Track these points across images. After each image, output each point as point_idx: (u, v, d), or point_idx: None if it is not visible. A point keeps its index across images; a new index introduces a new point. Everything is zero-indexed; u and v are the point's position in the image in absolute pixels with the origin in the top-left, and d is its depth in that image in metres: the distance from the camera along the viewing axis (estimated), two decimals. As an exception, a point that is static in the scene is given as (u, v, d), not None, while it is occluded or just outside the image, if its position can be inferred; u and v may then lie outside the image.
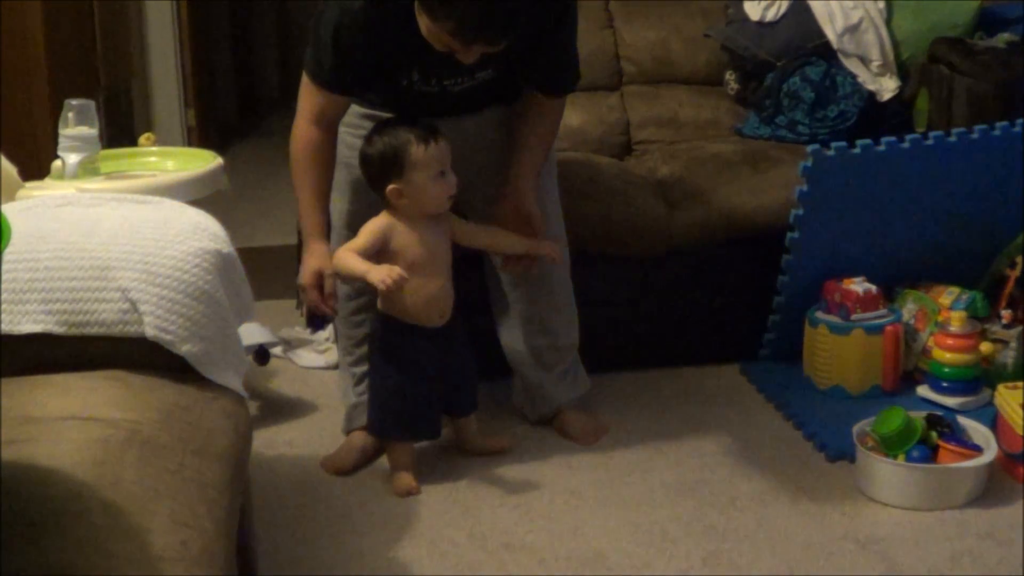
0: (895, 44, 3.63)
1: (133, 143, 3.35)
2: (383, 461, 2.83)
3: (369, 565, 2.42)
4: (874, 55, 3.59)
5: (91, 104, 2.93)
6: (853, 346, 3.04)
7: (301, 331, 3.54)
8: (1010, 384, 2.74)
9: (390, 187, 2.58)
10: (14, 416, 1.67)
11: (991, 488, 2.62)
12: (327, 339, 3.46)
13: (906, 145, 2.97)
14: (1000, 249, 3.20)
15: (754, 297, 3.23)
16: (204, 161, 3.05)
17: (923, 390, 3.04)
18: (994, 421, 2.75)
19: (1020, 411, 2.64)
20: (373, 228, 2.62)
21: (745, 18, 3.72)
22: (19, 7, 4.13)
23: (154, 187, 2.78)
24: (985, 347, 3.01)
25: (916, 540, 2.47)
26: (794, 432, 2.96)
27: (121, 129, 4.80)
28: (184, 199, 2.46)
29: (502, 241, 2.73)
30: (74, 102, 2.90)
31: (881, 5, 3.66)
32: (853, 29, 3.60)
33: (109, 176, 2.93)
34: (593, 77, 3.67)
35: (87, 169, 2.86)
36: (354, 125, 2.72)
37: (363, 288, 2.74)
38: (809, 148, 2.96)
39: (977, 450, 2.64)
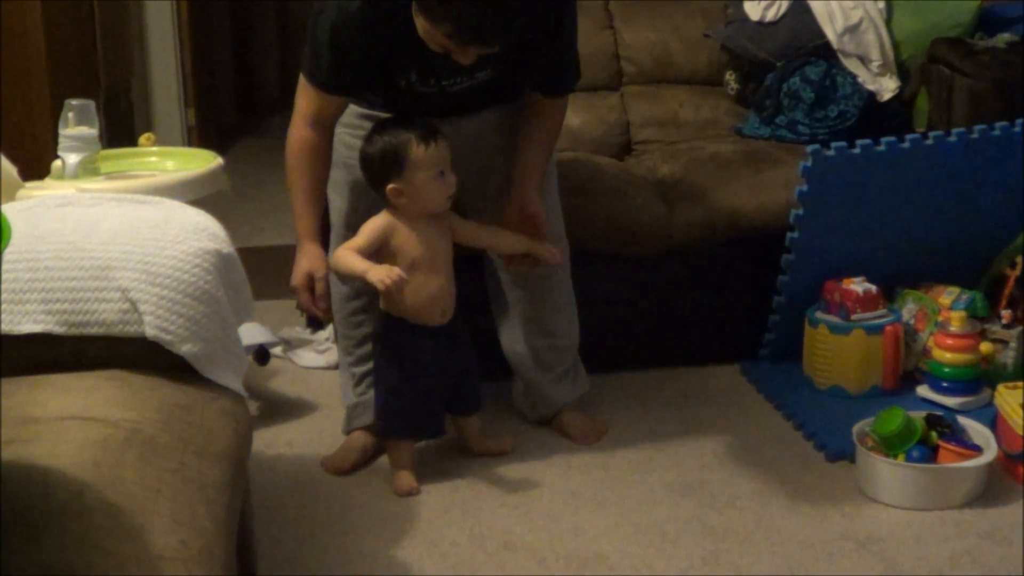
0: (895, 44, 3.63)
1: (133, 143, 3.35)
2: (383, 461, 2.83)
3: (369, 565, 2.42)
4: (874, 55, 3.59)
5: (91, 104, 2.94)
6: (853, 346, 3.04)
7: (301, 331, 3.54)
8: (1010, 384, 2.75)
9: (390, 186, 2.58)
10: (14, 416, 1.67)
11: (991, 488, 2.62)
12: (327, 339, 3.46)
13: (906, 145, 2.97)
14: (1000, 249, 3.20)
15: (754, 297, 3.23)
16: (204, 161, 3.06)
17: (923, 390, 3.04)
18: (994, 421, 2.75)
19: (1020, 411, 2.64)
20: (373, 227, 2.62)
21: (745, 18, 3.73)
22: (19, 7, 4.13)
23: (154, 187, 2.78)
24: (985, 347, 3.01)
25: (916, 540, 2.47)
26: (794, 432, 2.96)
27: (121, 129, 4.81)
28: (184, 199, 2.46)
29: (503, 240, 2.73)
30: (74, 102, 2.90)
31: (881, 5, 3.66)
32: (853, 29, 3.60)
33: (109, 176, 2.94)
34: (593, 77, 3.66)
35: (87, 169, 2.86)
36: (353, 125, 2.72)
37: (363, 288, 2.74)
38: (809, 148, 2.96)
39: (977, 450, 2.64)
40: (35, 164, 3.05)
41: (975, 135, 3.01)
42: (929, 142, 2.99)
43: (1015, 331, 3.05)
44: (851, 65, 3.60)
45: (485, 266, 2.93)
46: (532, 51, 2.59)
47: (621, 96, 3.80)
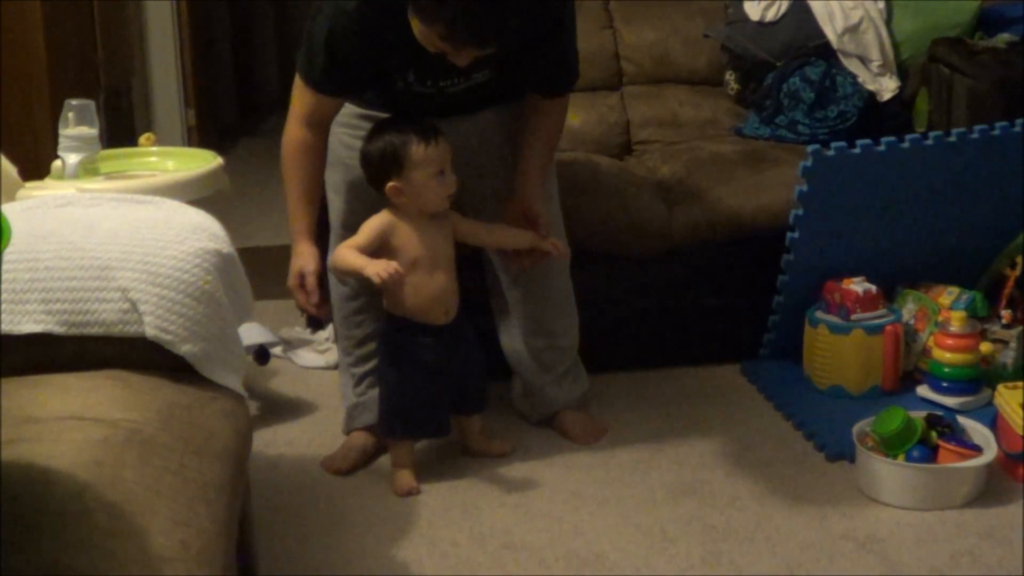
0: (895, 44, 3.63)
1: (133, 143, 3.35)
2: (383, 461, 2.83)
3: (369, 565, 2.42)
4: (874, 55, 3.59)
5: (91, 104, 2.93)
6: (853, 346, 3.04)
7: (301, 331, 3.54)
8: (1010, 384, 2.75)
9: (390, 185, 2.58)
10: (14, 416, 1.67)
11: (991, 488, 2.62)
12: (327, 339, 3.46)
13: (906, 145, 2.97)
14: (1000, 249, 3.20)
15: (754, 297, 3.23)
16: (204, 161, 3.06)
17: (923, 390, 3.04)
18: (994, 421, 2.75)
19: (1020, 411, 2.64)
20: (373, 225, 2.62)
21: (745, 18, 3.73)
22: (19, 7, 4.13)
23: (154, 187, 2.78)
24: (985, 347, 3.01)
25: (916, 540, 2.47)
26: (794, 432, 2.96)
27: (121, 129, 4.80)
28: (184, 199, 2.46)
29: (506, 237, 2.73)
30: (74, 102, 2.90)
31: (881, 5, 3.66)
32: (853, 29, 3.60)
33: (109, 176, 2.94)
34: (593, 77, 3.67)
35: (87, 169, 2.86)
36: (351, 125, 2.72)
37: (362, 288, 2.74)
38: (809, 148, 2.96)
39: (977, 450, 2.63)
40: (35, 164, 3.05)
41: (975, 135, 3.01)
42: (929, 142, 2.99)
43: (1015, 331, 3.05)
44: (851, 65, 3.60)
45: (485, 266, 2.93)
46: (530, 52, 2.59)
47: (621, 96, 3.80)
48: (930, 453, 2.62)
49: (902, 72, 3.62)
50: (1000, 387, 2.75)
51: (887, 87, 3.59)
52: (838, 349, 3.05)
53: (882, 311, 3.07)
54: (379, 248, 2.61)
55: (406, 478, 2.70)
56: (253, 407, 3.12)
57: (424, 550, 2.47)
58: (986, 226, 3.17)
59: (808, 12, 3.66)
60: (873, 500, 2.62)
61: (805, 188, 2.97)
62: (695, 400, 3.16)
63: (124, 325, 1.92)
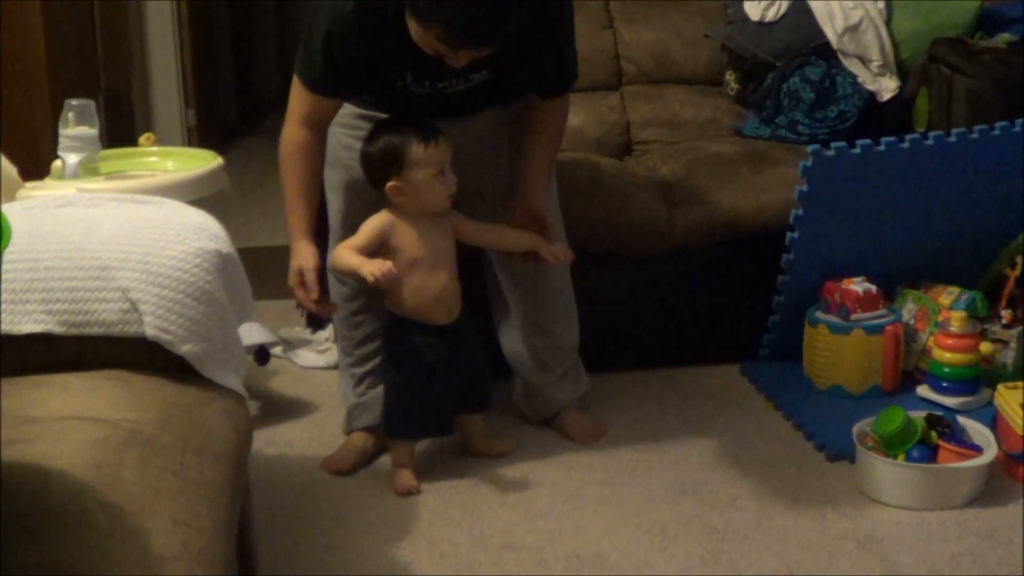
0: (895, 44, 3.63)
1: (133, 143, 3.35)
2: (383, 461, 2.83)
3: (369, 565, 2.42)
4: (874, 55, 3.59)
5: (91, 104, 2.93)
6: (853, 346, 3.04)
7: (301, 331, 3.54)
8: (1010, 384, 2.75)
9: (390, 185, 2.58)
10: (14, 416, 1.67)
11: (991, 488, 2.62)
12: (327, 339, 3.46)
13: (906, 145, 2.97)
14: (1000, 249, 3.20)
15: (754, 297, 3.23)
16: (204, 161, 3.06)
17: (923, 390, 3.04)
18: (994, 421, 2.75)
19: (1020, 411, 2.64)
20: (372, 226, 2.62)
21: (745, 18, 3.72)
22: (19, 7, 4.13)
23: (154, 187, 2.78)
24: (985, 347, 3.01)
25: (916, 540, 2.47)
26: (794, 432, 2.96)
27: (121, 129, 4.80)
28: (184, 199, 2.46)
29: (507, 238, 2.73)
30: (74, 102, 2.90)
31: (881, 5, 3.66)
32: (853, 29, 3.60)
33: (109, 176, 2.93)
34: (593, 77, 3.67)
35: (87, 169, 2.86)
36: (350, 126, 2.72)
37: (362, 289, 2.74)
38: (809, 148, 2.96)
39: (977, 450, 2.64)
40: (35, 164, 3.05)
41: (975, 135, 3.01)
42: (929, 142, 2.99)
43: (1015, 331, 3.05)
44: (851, 65, 3.60)
45: (484, 266, 2.93)
46: (527, 53, 2.59)
47: (621, 96, 3.80)
48: (930, 453, 2.62)
49: (902, 72, 3.62)
50: (1000, 387, 2.75)
51: (887, 87, 3.59)
52: (838, 349, 3.05)
53: (882, 311, 3.07)
54: (379, 248, 2.61)
55: (407, 478, 2.70)
56: (253, 407, 3.12)
57: (424, 550, 2.47)
58: (986, 226, 3.17)
59: (808, 12, 3.66)
60: (873, 500, 2.62)
61: (805, 188, 2.97)
62: (695, 400, 3.16)
63: (124, 325, 1.91)
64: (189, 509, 1.59)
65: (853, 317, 3.04)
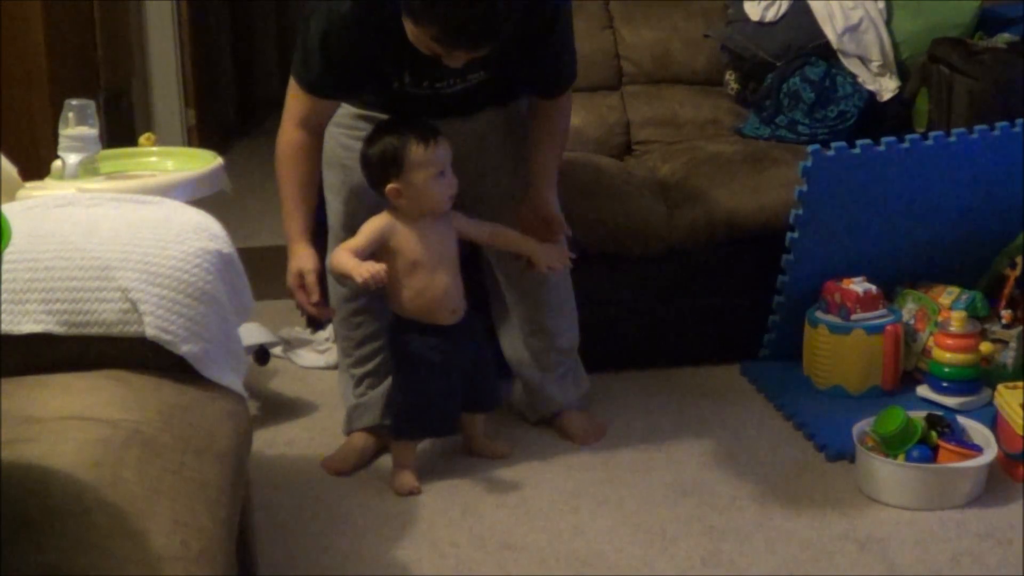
0: (895, 44, 3.63)
1: (133, 143, 3.35)
2: (383, 461, 2.83)
3: (369, 565, 2.42)
4: (874, 55, 3.59)
5: (91, 104, 2.93)
6: (853, 346, 3.04)
7: (301, 331, 3.54)
8: (1010, 384, 2.74)
9: (390, 186, 2.58)
10: (14, 416, 1.67)
11: (991, 488, 2.62)
12: (327, 339, 3.46)
13: (906, 145, 2.97)
14: (1000, 249, 3.20)
15: (754, 297, 3.23)
16: (204, 161, 3.05)
17: (923, 390, 3.04)
18: (994, 421, 2.75)
19: (1020, 411, 2.64)
20: (372, 227, 2.62)
21: (745, 18, 3.72)
22: (19, 7, 4.13)
23: (154, 187, 2.78)
24: (985, 347, 3.01)
25: (916, 540, 2.47)
26: (794, 432, 2.96)
27: (121, 129, 4.80)
28: (184, 199, 2.45)
29: (507, 239, 2.73)
30: (74, 102, 2.90)
31: (881, 5, 3.66)
32: (853, 29, 3.60)
33: (109, 176, 2.93)
34: (593, 77, 3.67)
35: (87, 169, 2.86)
36: (349, 126, 2.72)
37: (361, 289, 2.73)
38: (809, 148, 2.96)
39: (977, 450, 2.64)
40: (35, 164, 3.05)
41: (975, 135, 3.01)
42: (929, 142, 2.99)
43: (1015, 331, 3.05)
44: (851, 65, 3.60)
45: (484, 266, 2.93)
46: (525, 53, 2.59)
47: (621, 96, 3.80)
48: (930, 453, 2.62)
49: (902, 72, 3.62)
50: (1000, 387, 2.75)
51: (887, 87, 3.59)
52: (838, 349, 3.05)
53: (882, 311, 3.07)
54: (379, 250, 2.60)
55: (408, 478, 2.70)
56: (253, 407, 3.12)
57: (424, 550, 2.47)
58: (986, 226, 3.17)
59: (808, 12, 3.66)
60: (873, 500, 2.62)
61: (805, 188, 2.97)
62: (695, 400, 3.16)
63: (124, 325, 1.91)
64: (189, 509, 1.59)
65: (853, 317, 3.04)
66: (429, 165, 2.57)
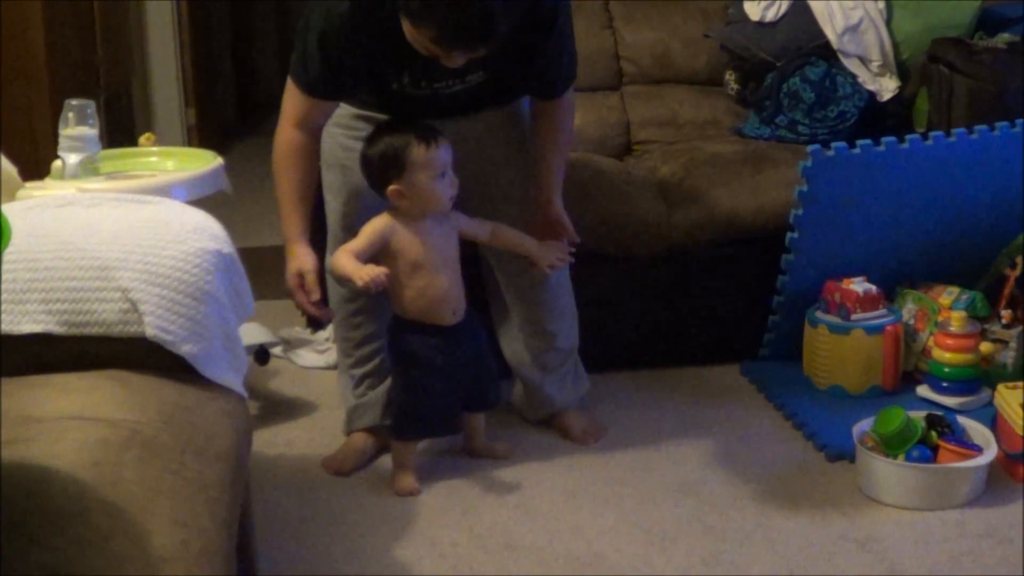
0: (895, 44, 3.63)
1: (133, 143, 3.35)
2: (383, 461, 2.83)
3: (369, 565, 2.42)
4: (874, 55, 3.59)
5: (91, 104, 2.93)
6: (853, 346, 3.03)
7: (301, 331, 3.54)
8: (1010, 384, 2.74)
9: (391, 188, 2.58)
10: (14, 416, 1.67)
11: (991, 488, 2.62)
12: (327, 339, 3.46)
13: (906, 145, 2.97)
14: (1000, 249, 3.20)
15: (754, 297, 3.23)
16: (204, 161, 3.05)
17: (923, 390, 3.04)
18: (994, 421, 2.75)
19: (1020, 411, 2.63)
20: (373, 228, 2.61)
21: (745, 18, 3.72)
22: (19, 7, 4.13)
23: (154, 187, 2.78)
24: (985, 347, 3.01)
25: (916, 540, 2.47)
26: (794, 432, 2.96)
27: (121, 129, 4.80)
28: (184, 199, 2.45)
29: (506, 240, 2.73)
30: (74, 102, 2.90)
31: (881, 5, 3.66)
32: (853, 29, 3.60)
33: (109, 176, 2.93)
34: (593, 77, 3.67)
35: (87, 169, 2.86)
36: (348, 126, 2.72)
37: (361, 290, 2.73)
38: (809, 148, 2.96)
39: (977, 450, 2.63)
40: (35, 164, 3.05)
41: (975, 135, 3.01)
42: (929, 142, 2.99)
43: (1015, 331, 3.05)
44: (851, 65, 3.60)
45: (483, 267, 2.93)
46: (523, 54, 2.58)
47: (621, 96, 3.80)
48: (930, 453, 2.62)
49: (902, 72, 3.62)
50: (1000, 387, 2.75)
51: (887, 87, 3.59)
52: (838, 349, 3.05)
53: (882, 311, 3.07)
54: (380, 251, 2.60)
55: (407, 480, 2.70)
56: (253, 407, 3.12)
57: (424, 550, 2.47)
58: (986, 226, 3.17)
59: (808, 12, 3.66)
60: (873, 500, 2.62)
61: (805, 188, 2.97)
62: (695, 400, 3.16)
63: (124, 325, 1.91)
64: (189, 509, 1.59)
65: (853, 317, 3.04)
66: (431, 166, 2.56)
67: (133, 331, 1.91)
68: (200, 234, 2.05)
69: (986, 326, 3.07)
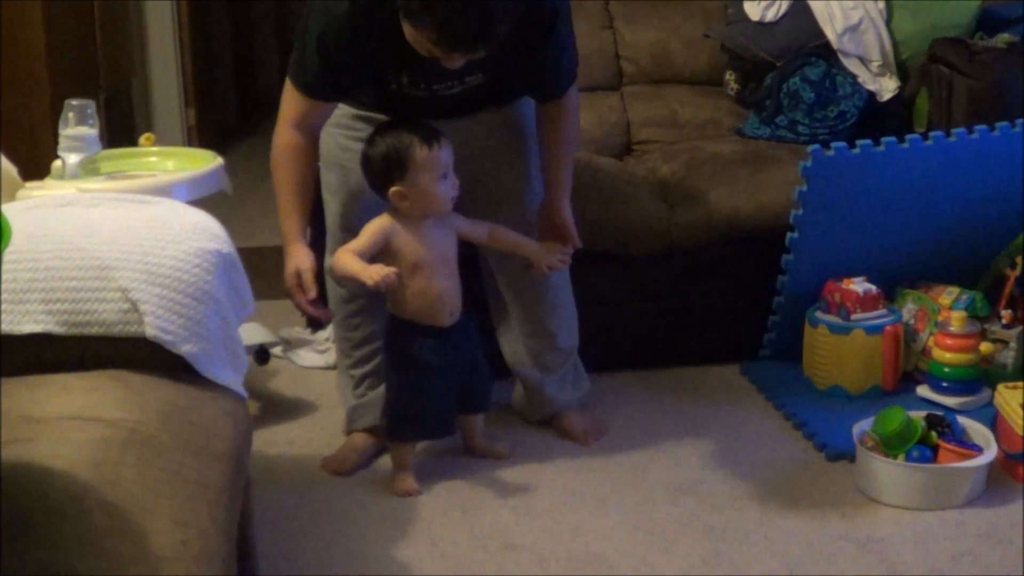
0: (895, 44, 3.63)
1: (133, 143, 3.35)
2: (383, 461, 2.83)
3: (369, 565, 2.42)
4: (874, 55, 3.59)
5: (91, 104, 2.93)
6: (853, 346, 3.03)
7: (301, 331, 3.54)
8: (1010, 384, 2.74)
9: (393, 189, 2.58)
10: (14, 416, 1.67)
11: (991, 488, 2.62)
12: (327, 339, 3.46)
13: (906, 145, 2.97)
14: (1000, 249, 3.20)
15: (754, 297, 3.23)
16: (204, 161, 3.05)
17: (923, 390, 3.04)
18: (994, 421, 2.75)
19: (1020, 411, 2.63)
20: (374, 229, 2.61)
21: (745, 18, 3.72)
22: (19, 7, 4.13)
23: (154, 187, 2.78)
24: (985, 347, 3.01)
25: (916, 540, 2.47)
26: (794, 432, 2.96)
27: (121, 129, 4.80)
28: (184, 199, 2.45)
29: (505, 240, 2.73)
30: (74, 102, 2.90)
31: (881, 5, 3.66)
32: (853, 29, 3.60)
33: (109, 176, 2.93)
34: (593, 77, 3.67)
35: (87, 169, 2.86)
36: (347, 127, 2.72)
37: (360, 290, 2.73)
38: (809, 148, 2.96)
39: (977, 450, 2.64)
40: (35, 164, 3.05)
41: (975, 135, 3.01)
42: (929, 142, 2.99)
43: (1015, 331, 3.05)
44: (851, 65, 3.60)
45: (483, 267, 2.93)
46: (523, 55, 2.58)
47: (621, 96, 3.80)
48: (930, 453, 2.62)
49: (902, 72, 3.62)
50: (1000, 387, 2.75)
51: (887, 87, 3.59)
52: (838, 349, 3.05)
53: (882, 311, 3.07)
54: (380, 252, 2.60)
55: (407, 481, 2.70)
56: (253, 407, 3.12)
57: (424, 550, 2.47)
58: (986, 226, 3.17)
59: (808, 12, 3.66)
60: (873, 500, 2.62)
61: (805, 188, 2.97)
62: (695, 400, 3.16)
63: (124, 325, 1.92)
64: (189, 509, 1.59)
65: (853, 317, 3.04)
66: (433, 167, 2.56)
67: (133, 331, 1.91)
68: (200, 234, 2.05)
69: (986, 326, 3.07)
